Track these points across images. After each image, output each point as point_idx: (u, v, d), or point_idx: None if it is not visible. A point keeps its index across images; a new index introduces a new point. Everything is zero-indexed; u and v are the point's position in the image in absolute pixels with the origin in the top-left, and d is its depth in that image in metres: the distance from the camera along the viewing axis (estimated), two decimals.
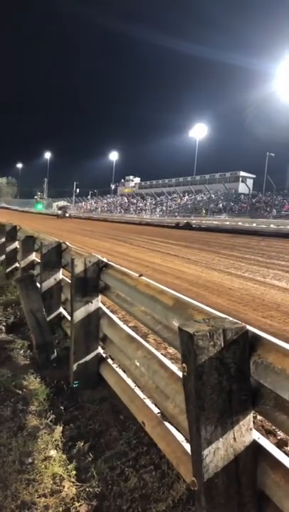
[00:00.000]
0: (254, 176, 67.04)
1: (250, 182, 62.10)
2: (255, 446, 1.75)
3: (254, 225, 33.28)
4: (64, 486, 2.54)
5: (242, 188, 60.75)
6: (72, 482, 2.59)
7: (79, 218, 56.81)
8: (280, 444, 2.78)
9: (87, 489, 2.52)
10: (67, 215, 56.69)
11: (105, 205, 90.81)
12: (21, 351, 4.85)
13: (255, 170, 67.91)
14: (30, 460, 2.77)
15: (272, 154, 61.42)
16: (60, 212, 60.12)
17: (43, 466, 2.71)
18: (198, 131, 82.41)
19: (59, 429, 3.15)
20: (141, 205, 76.46)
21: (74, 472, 2.67)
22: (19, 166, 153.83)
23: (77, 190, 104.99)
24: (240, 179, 65.04)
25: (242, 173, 67.39)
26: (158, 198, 73.93)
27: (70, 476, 2.64)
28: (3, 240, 10.13)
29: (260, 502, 1.75)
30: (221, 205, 58.06)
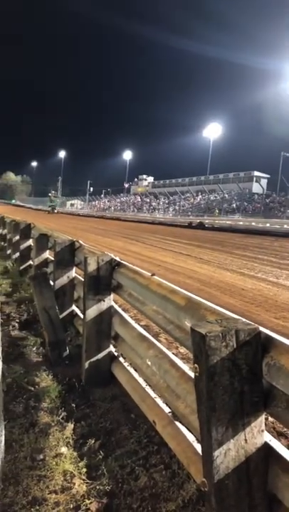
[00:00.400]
0: (268, 176, 66.48)
1: (264, 182, 61.64)
2: (266, 448, 1.74)
3: (268, 225, 33.06)
4: (74, 483, 2.56)
5: (256, 188, 60.33)
6: (83, 479, 2.61)
7: (92, 217, 57.02)
8: None
9: (97, 487, 2.53)
10: (55, 211, 62.03)
11: (118, 204, 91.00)
12: (34, 348, 4.89)
13: (270, 170, 67.40)
14: (41, 456, 2.80)
15: (287, 154, 60.84)
16: (49, 207, 64.93)
17: (54, 462, 2.73)
18: (212, 131, 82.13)
19: (70, 426, 3.17)
20: (154, 204, 76.45)
21: (85, 469, 2.69)
22: (34, 164, 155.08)
23: (91, 188, 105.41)
24: (254, 179, 64.58)
25: (256, 173, 66.92)
26: (171, 198, 73.84)
27: (80, 473, 2.66)
28: (18, 237, 10.22)
29: (271, 505, 1.74)
30: (234, 205, 57.75)
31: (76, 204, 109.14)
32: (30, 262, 9.20)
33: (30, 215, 41.64)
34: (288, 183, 48.76)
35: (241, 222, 36.93)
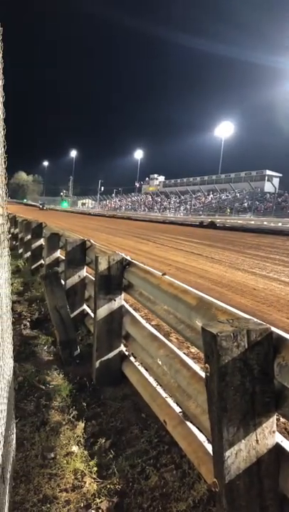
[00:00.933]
0: (280, 175, 66.08)
1: (276, 181, 61.26)
2: (277, 449, 1.72)
3: (280, 224, 32.84)
4: (85, 482, 2.57)
5: (268, 187, 59.95)
6: (94, 478, 2.61)
7: (103, 216, 57.16)
8: None
9: (108, 486, 2.54)
10: (45, 208, 70.20)
11: (129, 204, 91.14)
12: (45, 347, 4.91)
13: (282, 169, 66.98)
14: (52, 455, 2.81)
15: None
16: (40, 205, 74.91)
17: (65, 461, 2.74)
18: (224, 130, 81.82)
19: (81, 425, 3.18)
20: (165, 203, 76.41)
21: (95, 468, 2.69)
22: (45, 164, 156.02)
23: (102, 188, 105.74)
24: (266, 178, 64.19)
25: (268, 172, 66.47)
26: (182, 197, 73.71)
27: (91, 472, 2.66)
28: (29, 237, 10.28)
29: (282, 505, 1.72)
30: (246, 204, 57.47)
31: (87, 203, 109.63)
32: (42, 261, 9.25)
33: (42, 214, 41.86)
34: None
35: (253, 222, 36.72)
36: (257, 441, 1.68)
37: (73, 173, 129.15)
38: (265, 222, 35.19)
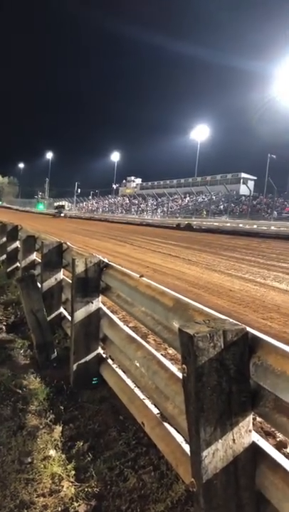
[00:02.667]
0: (255, 178, 67.11)
1: (251, 184, 62.16)
2: (254, 447, 1.75)
3: (255, 226, 33.30)
4: (63, 486, 2.55)
5: (243, 190, 60.78)
6: (71, 482, 2.60)
7: (80, 218, 56.86)
8: (279, 446, 2.78)
9: (86, 489, 2.52)
10: (62, 214, 59.16)
11: (107, 206, 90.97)
12: (21, 351, 4.86)
13: (257, 172, 67.92)
14: (29, 460, 2.78)
15: (274, 156, 61.48)
16: (56, 210, 63.49)
17: (42, 465, 2.72)
18: (200, 133, 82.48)
19: (59, 428, 3.16)
20: (142, 205, 76.54)
21: (73, 472, 2.68)
22: (21, 166, 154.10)
23: (79, 190, 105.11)
24: (242, 181, 65.08)
25: (243, 175, 67.42)
26: (159, 199, 73.99)
27: (69, 475, 2.65)
28: (4, 239, 10.14)
29: (258, 504, 1.75)
30: (221, 207, 58.14)
31: (64, 205, 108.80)
32: (18, 263, 9.13)
33: (17, 216, 41.36)
34: (275, 185, 49.17)
35: (229, 224, 37.15)
36: (234, 440, 1.70)
37: (49, 174, 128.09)
38: (240, 225, 35.63)
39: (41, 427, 3.21)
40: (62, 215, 59.60)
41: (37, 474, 2.63)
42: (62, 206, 71.54)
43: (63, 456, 2.85)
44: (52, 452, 2.88)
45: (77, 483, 2.59)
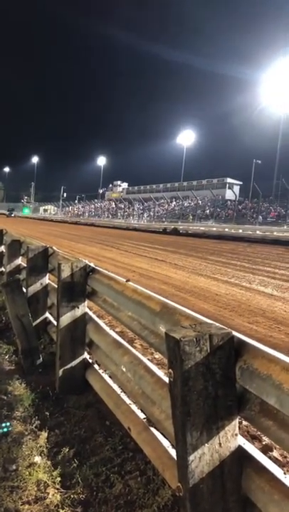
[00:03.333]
0: (241, 183, 67.67)
1: (236, 189, 62.66)
2: (240, 451, 1.75)
3: (240, 231, 33.56)
4: (48, 493, 2.52)
5: (229, 195, 61.23)
6: (57, 489, 2.57)
7: (66, 222, 56.66)
8: (265, 450, 2.80)
9: (71, 496, 2.50)
10: (12, 215, 68.57)
11: (93, 210, 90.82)
12: (6, 356, 4.80)
13: (242, 177, 68.53)
14: (14, 467, 2.74)
15: (259, 161, 62.12)
16: (7, 212, 74.75)
17: (28, 472, 2.68)
18: (186, 138, 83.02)
19: (44, 435, 3.13)
20: (128, 210, 76.57)
21: (59, 479, 2.65)
22: (6, 170, 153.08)
23: (65, 194, 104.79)
24: (227, 186, 65.58)
25: (229, 180, 67.94)
26: (145, 204, 74.10)
27: (54, 482, 2.62)
28: None
29: (245, 508, 1.75)
30: (207, 211, 58.44)
31: (50, 210, 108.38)
32: (2, 268, 9.04)
33: (2, 220, 41.01)
34: (260, 189, 49.63)
35: (215, 228, 37.35)
36: (220, 444, 1.70)
37: (35, 179, 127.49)
38: (226, 229, 35.86)
39: (26, 433, 3.18)
40: (12, 215, 70.06)
41: (22, 481, 2.60)
42: (13, 209, 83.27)
43: (49, 462, 2.82)
44: (37, 459, 2.84)
45: (62, 490, 2.56)
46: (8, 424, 3.25)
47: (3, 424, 3.23)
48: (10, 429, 3.20)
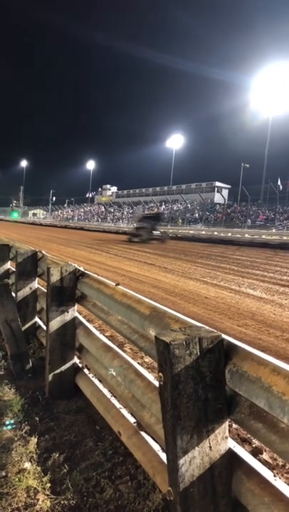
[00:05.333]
0: (229, 187, 68.15)
1: (225, 192, 63.06)
2: (230, 454, 1.76)
3: (229, 234, 33.72)
4: (38, 499, 2.50)
5: (217, 198, 61.64)
6: (47, 495, 2.55)
7: (55, 226, 56.49)
8: (255, 452, 2.81)
9: (62, 502, 2.48)
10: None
11: (82, 214, 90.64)
12: None
13: (231, 180, 69.09)
14: (3, 473, 2.72)
15: (247, 165, 62.61)
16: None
17: (17, 479, 2.66)
18: (175, 142, 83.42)
19: (34, 440, 3.10)
20: (118, 214, 76.56)
21: (49, 484, 2.63)
22: None
23: (54, 198, 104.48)
24: (216, 189, 66.01)
25: (218, 184, 68.41)
26: (135, 207, 74.18)
27: (44, 488, 2.60)
28: None
29: (235, 510, 1.76)
30: (197, 215, 58.71)
31: (39, 214, 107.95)
32: None
33: None
34: (249, 193, 50.00)
35: (204, 232, 37.50)
36: (210, 447, 1.71)
37: (24, 182, 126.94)
38: (215, 233, 36.03)
39: (16, 439, 3.15)
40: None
41: (11, 488, 2.58)
42: None
43: (39, 468, 2.80)
44: (27, 465, 2.82)
45: (53, 496, 2.54)
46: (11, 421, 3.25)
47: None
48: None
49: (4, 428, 3.25)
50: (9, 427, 3.17)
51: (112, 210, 79.12)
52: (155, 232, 25.93)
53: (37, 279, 5.61)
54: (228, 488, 1.74)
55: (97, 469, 2.77)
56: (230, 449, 1.76)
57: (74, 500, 2.50)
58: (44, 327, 4.66)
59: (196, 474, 1.68)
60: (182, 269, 13.29)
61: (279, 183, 49.94)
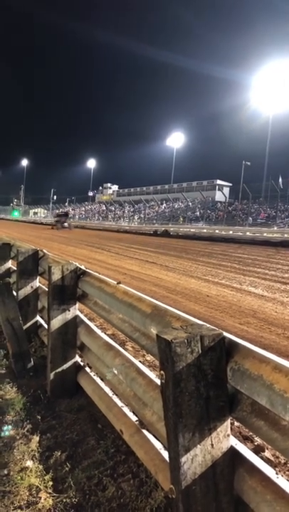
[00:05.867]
0: (230, 185, 68.10)
1: (226, 190, 63.06)
2: (232, 452, 1.76)
3: (231, 232, 33.73)
4: (40, 498, 2.50)
5: (219, 196, 61.59)
6: (49, 493, 2.55)
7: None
8: (257, 450, 2.81)
9: (64, 500, 2.49)
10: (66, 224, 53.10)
11: (83, 213, 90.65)
12: None
13: (232, 178, 69.04)
14: (5, 472, 2.72)
15: (248, 163, 62.50)
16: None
17: (19, 477, 2.66)
18: (176, 140, 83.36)
19: (36, 439, 3.11)
20: (119, 212, 76.58)
21: (51, 483, 2.63)
22: None
23: (55, 197, 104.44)
24: (217, 187, 65.97)
25: (219, 182, 68.35)
26: (136, 206, 74.19)
27: (46, 486, 2.60)
28: None
29: (237, 508, 1.76)
30: (198, 213, 58.67)
31: (40, 212, 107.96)
32: None
33: None
34: (250, 191, 49.95)
35: (205, 230, 37.52)
36: (212, 445, 1.71)
37: (24, 181, 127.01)
38: (216, 231, 36.04)
39: (18, 437, 3.15)
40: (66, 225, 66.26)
41: (13, 486, 2.58)
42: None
43: (41, 466, 2.80)
44: (29, 463, 2.82)
45: (55, 494, 2.54)
46: (9, 427, 3.25)
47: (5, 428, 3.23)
48: (7, 433, 3.18)
49: (5, 428, 3.25)
50: (7, 434, 3.17)
51: (113, 208, 79.12)
52: (65, 224, 40.30)
53: (38, 277, 5.62)
54: (230, 485, 1.74)
55: (99, 467, 2.78)
56: (232, 446, 1.76)
57: (76, 498, 2.50)
58: (45, 326, 4.66)
59: (198, 472, 1.68)
60: (183, 267, 13.28)
61: (280, 180, 49.89)
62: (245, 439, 3.02)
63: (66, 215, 45.27)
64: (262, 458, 1.83)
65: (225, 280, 10.76)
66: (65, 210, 64.65)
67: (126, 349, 4.09)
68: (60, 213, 46.04)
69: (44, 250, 5.64)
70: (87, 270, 3.87)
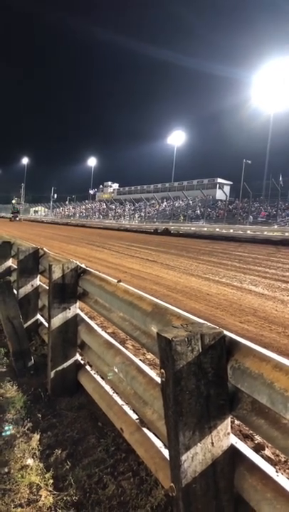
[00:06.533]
0: (231, 183, 68.03)
1: (227, 189, 62.96)
2: (232, 450, 1.76)
3: (231, 231, 33.70)
4: (41, 496, 2.51)
5: (219, 195, 61.54)
6: (50, 491, 2.56)
7: (56, 224, 56.56)
8: (257, 449, 2.81)
9: (64, 498, 2.49)
10: (18, 218, 66.90)
11: (84, 211, 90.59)
12: None
13: (232, 177, 68.98)
14: (6, 470, 2.73)
15: (249, 161, 62.38)
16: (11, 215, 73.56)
17: (20, 475, 2.67)
18: (176, 138, 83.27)
19: (36, 437, 3.11)
20: (119, 211, 76.53)
21: (51, 481, 2.64)
22: None
23: (55, 195, 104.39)
24: (218, 186, 65.88)
25: (219, 180, 68.27)
26: (136, 204, 74.16)
27: (47, 484, 2.61)
28: None
29: (238, 506, 1.76)
30: (198, 212, 58.62)
31: (40, 211, 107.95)
32: None
33: None
34: (250, 189, 49.88)
35: (206, 229, 37.47)
36: (212, 443, 1.71)
37: (25, 180, 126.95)
38: (217, 229, 35.99)
39: (18, 435, 3.16)
40: (18, 218, 70.40)
41: (14, 484, 2.58)
42: (18, 210, 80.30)
43: (41, 464, 2.81)
44: (29, 461, 2.83)
45: (55, 492, 2.55)
46: (10, 426, 3.25)
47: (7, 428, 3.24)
48: (7, 432, 3.19)
49: (5, 426, 3.26)
50: (8, 433, 3.17)
51: (114, 207, 79.06)
52: (17, 218, 61.03)
53: (39, 276, 5.62)
54: (230, 484, 1.75)
55: (99, 466, 2.78)
56: (232, 445, 1.76)
57: (76, 496, 2.51)
58: (46, 324, 4.66)
59: (198, 470, 1.68)
60: (184, 265, 13.28)
61: (281, 179, 49.83)
62: (245, 437, 3.03)
63: (18, 212, 66.65)
64: (262, 456, 1.83)
65: (225, 279, 10.76)
66: (18, 208, 75.51)
67: (126, 347, 4.09)
68: (14, 211, 66.15)
69: (45, 249, 5.64)
70: (88, 269, 3.87)
